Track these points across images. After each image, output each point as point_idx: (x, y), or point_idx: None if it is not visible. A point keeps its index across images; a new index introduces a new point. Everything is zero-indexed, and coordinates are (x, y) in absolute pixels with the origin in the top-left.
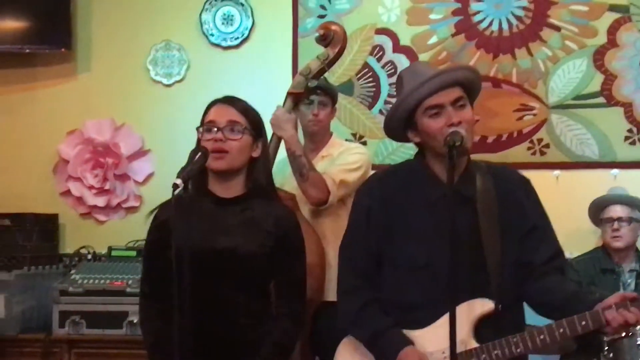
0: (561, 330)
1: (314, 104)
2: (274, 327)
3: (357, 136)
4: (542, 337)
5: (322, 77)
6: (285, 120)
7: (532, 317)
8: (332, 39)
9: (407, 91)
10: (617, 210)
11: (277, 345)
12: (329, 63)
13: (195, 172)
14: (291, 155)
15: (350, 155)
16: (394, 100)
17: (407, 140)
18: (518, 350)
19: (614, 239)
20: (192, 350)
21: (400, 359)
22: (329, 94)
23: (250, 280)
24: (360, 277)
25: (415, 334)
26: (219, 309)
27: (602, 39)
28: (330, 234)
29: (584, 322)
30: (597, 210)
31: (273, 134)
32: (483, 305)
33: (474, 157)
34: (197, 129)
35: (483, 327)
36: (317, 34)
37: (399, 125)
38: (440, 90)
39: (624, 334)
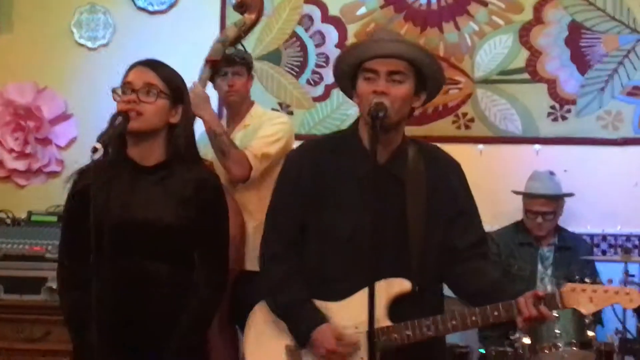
0: (473, 318)
1: (229, 74)
2: (194, 296)
3: (284, 105)
4: (453, 322)
5: (239, 44)
6: (204, 99)
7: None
8: (248, 5)
9: (352, 46)
10: (542, 205)
11: (197, 315)
12: (246, 30)
13: (115, 136)
14: (211, 134)
15: (270, 127)
16: (321, 70)
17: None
18: (429, 332)
19: (536, 229)
20: (112, 322)
21: (315, 336)
22: (244, 63)
23: (173, 251)
24: (285, 245)
25: (331, 306)
26: (141, 281)
27: (528, 15)
28: (251, 206)
29: (495, 313)
30: (522, 197)
31: None
32: (400, 285)
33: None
34: (114, 90)
35: (401, 307)
36: (233, 1)
37: (343, 78)
38: (381, 58)
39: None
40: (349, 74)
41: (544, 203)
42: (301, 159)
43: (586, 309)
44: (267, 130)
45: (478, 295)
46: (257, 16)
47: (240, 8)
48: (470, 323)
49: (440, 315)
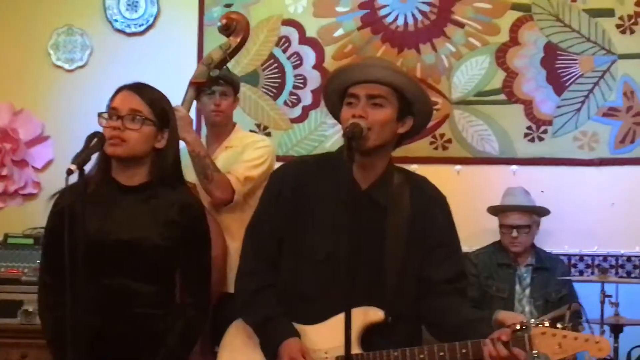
0: (441, 354)
1: (216, 94)
2: (179, 317)
3: (262, 127)
4: (422, 356)
5: (224, 66)
6: (188, 122)
7: None
8: (234, 28)
9: (335, 72)
10: (515, 219)
11: (183, 336)
12: (231, 53)
13: (90, 158)
14: (195, 156)
15: (254, 150)
16: (298, 91)
17: None
18: None
19: (512, 245)
20: (94, 343)
21: (281, 349)
22: (231, 84)
23: (156, 271)
24: (261, 260)
25: (303, 329)
26: (124, 300)
27: (504, 36)
28: (234, 228)
29: (464, 350)
30: (496, 213)
31: None
32: (374, 314)
33: None
34: (100, 114)
35: (374, 335)
36: (219, 24)
37: (331, 104)
38: (362, 83)
39: None
40: (337, 100)
41: (518, 217)
42: (285, 176)
43: (554, 354)
44: (251, 154)
45: (448, 333)
46: (242, 39)
47: (226, 31)
48: (438, 359)
49: (409, 348)
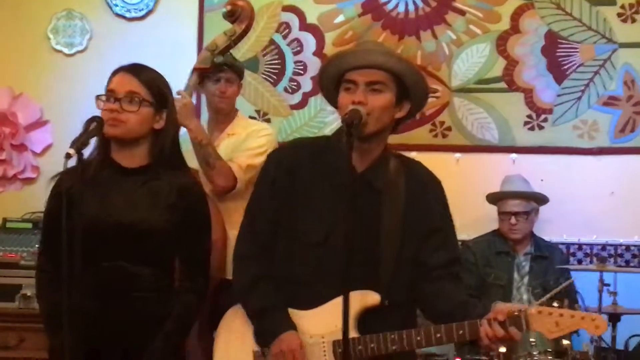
0: (438, 335)
1: (221, 81)
2: (177, 301)
3: (261, 113)
4: (418, 338)
5: (228, 53)
6: (190, 108)
7: None
8: (239, 15)
9: (331, 58)
10: (514, 205)
11: (179, 320)
12: (236, 39)
13: (89, 142)
14: (198, 144)
15: (257, 139)
16: (298, 78)
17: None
18: (394, 347)
19: (511, 232)
20: (92, 327)
21: (279, 341)
22: (236, 71)
23: (155, 255)
24: (258, 245)
25: (301, 314)
26: (123, 283)
27: (505, 24)
28: (236, 216)
29: (461, 332)
30: (494, 201)
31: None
32: (371, 298)
33: None
34: (98, 97)
35: (370, 319)
36: (224, 10)
37: (327, 90)
38: (360, 69)
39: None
40: (332, 85)
41: (517, 203)
42: (280, 159)
43: (551, 333)
44: (253, 142)
45: (443, 316)
46: (247, 26)
47: (231, 17)
48: (435, 340)
49: (405, 331)
